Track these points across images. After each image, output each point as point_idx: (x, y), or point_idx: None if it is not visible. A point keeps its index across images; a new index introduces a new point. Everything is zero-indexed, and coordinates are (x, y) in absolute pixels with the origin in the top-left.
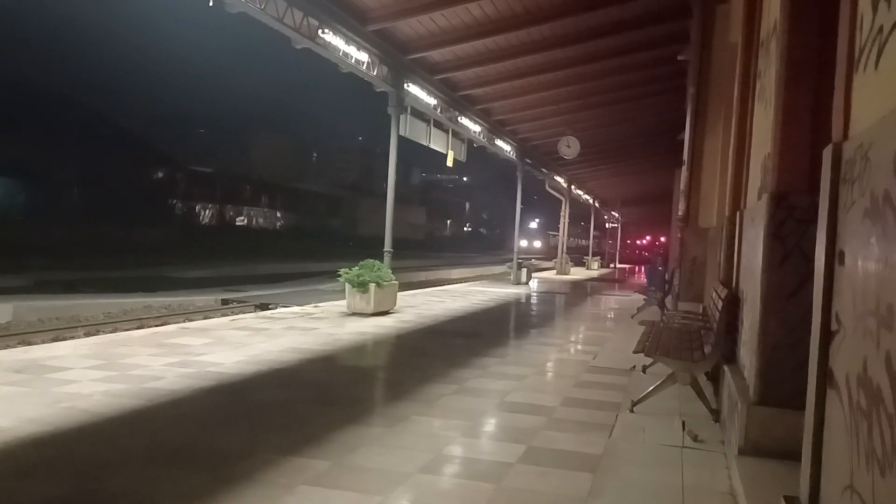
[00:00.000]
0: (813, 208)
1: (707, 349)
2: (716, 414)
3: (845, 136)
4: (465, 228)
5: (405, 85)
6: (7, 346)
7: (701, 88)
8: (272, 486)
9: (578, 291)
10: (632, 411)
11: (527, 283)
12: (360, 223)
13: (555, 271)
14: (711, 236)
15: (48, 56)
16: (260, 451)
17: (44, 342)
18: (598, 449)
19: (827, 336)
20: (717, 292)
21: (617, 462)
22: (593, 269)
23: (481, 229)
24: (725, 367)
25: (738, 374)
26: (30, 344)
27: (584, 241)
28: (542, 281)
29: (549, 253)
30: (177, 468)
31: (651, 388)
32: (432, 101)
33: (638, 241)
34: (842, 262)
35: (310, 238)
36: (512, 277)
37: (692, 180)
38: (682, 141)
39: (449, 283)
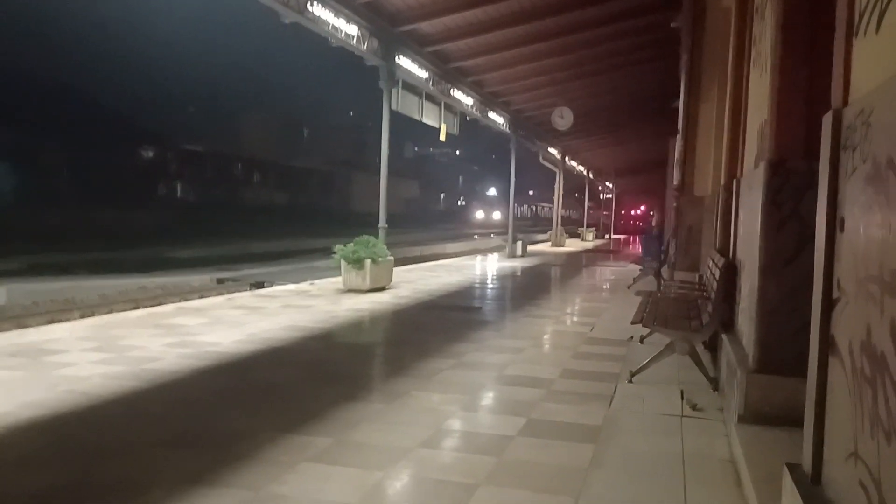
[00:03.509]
0: (810, 174)
1: (705, 318)
2: (714, 382)
3: (845, 102)
4: (460, 203)
5: (396, 58)
6: (2, 330)
7: (694, 56)
8: (274, 465)
9: (574, 263)
10: (630, 381)
11: (522, 256)
12: (353, 199)
13: (550, 243)
14: (707, 205)
15: (33, 39)
16: (261, 430)
17: (39, 325)
18: (597, 420)
19: (828, 303)
20: (713, 261)
21: (617, 432)
22: (588, 241)
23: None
24: (723, 336)
25: (736, 342)
26: (25, 327)
27: (573, 211)
28: (537, 254)
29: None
30: (179, 450)
31: (649, 358)
32: (424, 73)
33: (633, 212)
34: (843, 229)
35: (303, 215)
36: (507, 251)
37: (687, 149)
38: (677, 109)
39: (444, 258)
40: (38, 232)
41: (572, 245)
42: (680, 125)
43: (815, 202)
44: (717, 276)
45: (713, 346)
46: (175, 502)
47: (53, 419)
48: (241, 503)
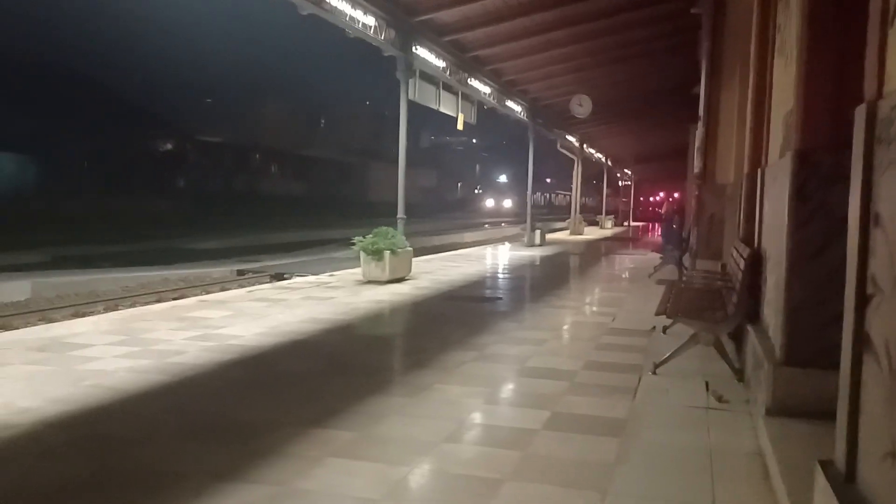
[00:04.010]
0: (837, 166)
1: (730, 309)
2: (739, 374)
3: (879, 95)
4: (477, 191)
5: (413, 48)
6: (27, 324)
7: (716, 42)
8: (301, 459)
9: (593, 252)
10: (654, 373)
11: (541, 245)
12: (370, 188)
13: (568, 232)
14: (729, 193)
15: (54, 32)
16: (286, 423)
17: (64, 319)
18: (622, 413)
19: (862, 300)
20: (738, 251)
21: (642, 425)
22: (607, 228)
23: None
24: (749, 327)
25: (762, 334)
26: (50, 321)
27: (590, 199)
28: (555, 242)
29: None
30: (205, 443)
31: (673, 349)
32: (441, 63)
33: (651, 199)
34: (877, 223)
35: (320, 205)
36: (526, 239)
37: (708, 137)
38: (697, 95)
39: (462, 248)
40: (60, 223)
41: (591, 233)
42: (701, 112)
43: (843, 195)
44: (741, 266)
45: (737, 337)
46: (203, 497)
47: (80, 413)
48: (268, 498)
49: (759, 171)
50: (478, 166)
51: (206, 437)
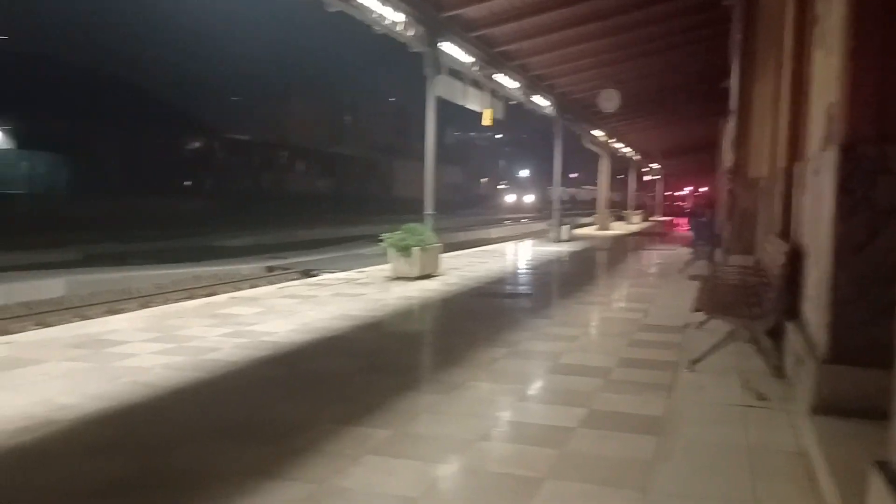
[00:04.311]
0: (883, 159)
1: (767, 305)
2: (777, 371)
3: None
4: (500, 187)
5: (440, 44)
6: (62, 321)
7: (748, 35)
8: (338, 457)
9: (622, 247)
10: (690, 370)
11: (568, 241)
12: (395, 185)
13: (595, 227)
14: (762, 187)
15: (83, 32)
16: (322, 421)
17: (98, 316)
18: (659, 410)
19: None
20: (774, 246)
21: (680, 423)
22: (634, 224)
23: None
24: (788, 323)
25: (802, 330)
26: (84, 318)
27: (615, 194)
28: (582, 238)
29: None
30: (242, 441)
31: (709, 346)
32: (468, 59)
33: (678, 193)
34: None
35: (346, 202)
36: (552, 235)
37: (741, 130)
38: (726, 89)
39: (489, 244)
40: (92, 221)
41: (618, 228)
42: (733, 106)
43: (888, 187)
44: (779, 261)
45: (774, 333)
46: (242, 494)
47: (119, 410)
48: (307, 496)
49: (796, 164)
50: (501, 162)
51: (244, 435)
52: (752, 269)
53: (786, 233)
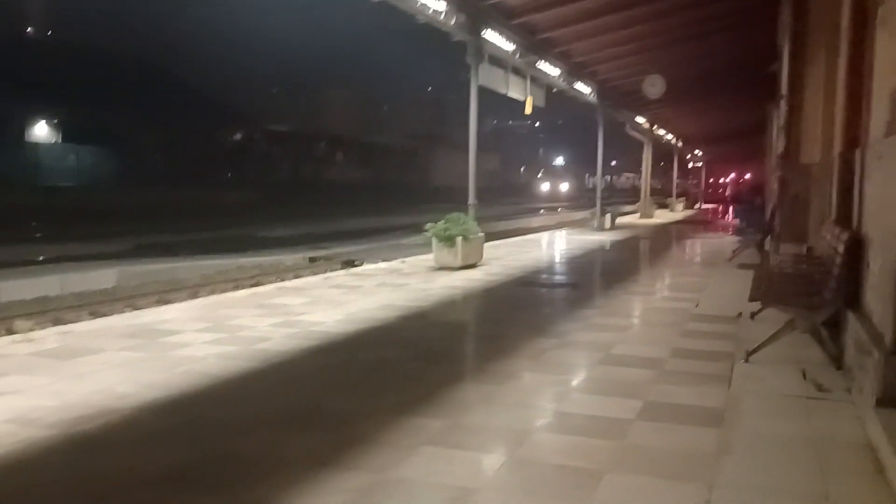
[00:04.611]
0: None
1: (827, 294)
2: (838, 362)
3: None
4: (539, 175)
5: (483, 32)
6: (115, 311)
7: (799, 16)
8: (395, 447)
9: (666, 235)
10: (747, 361)
11: (611, 229)
12: (433, 174)
13: (638, 215)
14: (815, 173)
15: (126, 25)
16: (376, 411)
17: (148, 306)
18: (718, 402)
19: None
20: (832, 233)
21: (741, 415)
22: (678, 212)
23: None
24: (849, 313)
25: (865, 320)
26: (136, 308)
27: (656, 181)
28: (625, 226)
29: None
30: (300, 430)
31: (765, 336)
32: (510, 46)
33: (722, 180)
34: None
35: (385, 191)
36: (595, 224)
37: (792, 115)
38: (773, 73)
39: (529, 233)
40: (137, 212)
41: (661, 216)
42: (783, 90)
43: None
44: (839, 249)
45: (832, 323)
46: (305, 482)
47: (177, 399)
48: (369, 486)
49: (856, 150)
50: (541, 150)
51: (300, 424)
52: (807, 257)
53: (845, 220)
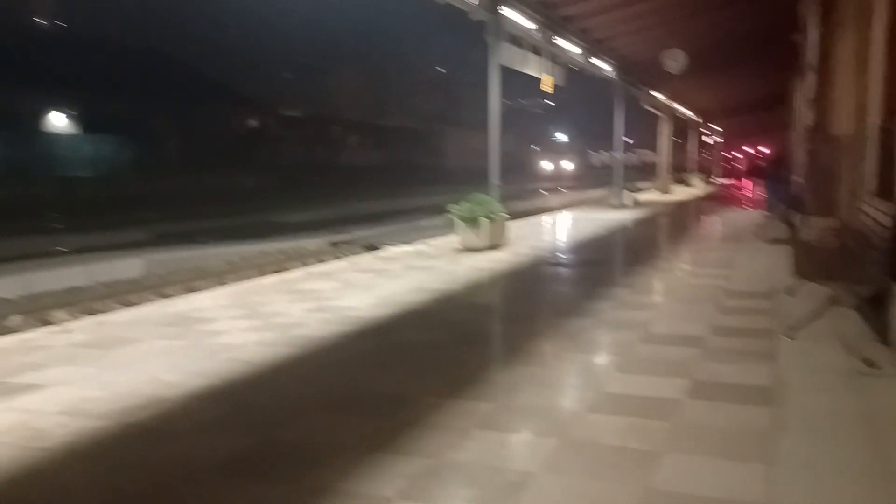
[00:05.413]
0: None
1: (871, 269)
2: (883, 336)
3: None
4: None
5: (501, 10)
6: (145, 300)
7: None
8: (448, 431)
9: (688, 211)
10: (790, 337)
11: (631, 206)
12: (447, 155)
13: (656, 192)
14: (846, 145)
15: (136, 13)
16: (423, 394)
17: (177, 294)
18: (765, 380)
19: None
20: (872, 206)
21: (790, 392)
22: (696, 187)
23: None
24: (894, 286)
25: None
26: (165, 296)
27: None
28: (645, 203)
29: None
30: (349, 415)
31: (807, 312)
32: (530, 25)
33: (741, 155)
34: None
35: (399, 173)
36: (615, 201)
37: (821, 86)
38: (794, 43)
39: (548, 212)
40: (156, 200)
41: (680, 192)
42: (811, 61)
43: None
44: (882, 222)
45: (875, 298)
46: (362, 469)
47: (223, 387)
48: (426, 470)
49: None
50: (552, 128)
51: (349, 409)
52: (845, 230)
53: (887, 192)
